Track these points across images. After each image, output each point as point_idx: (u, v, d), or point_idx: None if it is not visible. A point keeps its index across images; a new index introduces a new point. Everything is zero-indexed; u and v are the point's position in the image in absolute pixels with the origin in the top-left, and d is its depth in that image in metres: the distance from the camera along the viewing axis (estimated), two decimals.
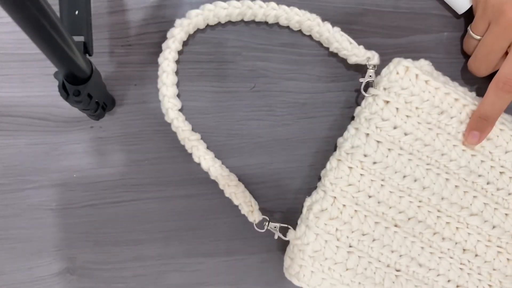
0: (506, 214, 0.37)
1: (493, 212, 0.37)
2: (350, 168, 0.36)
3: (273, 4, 0.38)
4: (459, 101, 0.37)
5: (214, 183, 0.39)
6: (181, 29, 0.38)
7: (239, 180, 0.39)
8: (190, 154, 0.39)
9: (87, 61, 0.30)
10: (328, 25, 0.38)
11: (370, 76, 0.38)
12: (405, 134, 0.36)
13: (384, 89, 0.37)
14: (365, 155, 0.36)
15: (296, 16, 0.38)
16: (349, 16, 0.40)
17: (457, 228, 0.37)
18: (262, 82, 0.40)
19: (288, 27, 0.40)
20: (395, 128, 0.36)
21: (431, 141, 0.37)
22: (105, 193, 0.40)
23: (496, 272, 0.37)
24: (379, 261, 0.37)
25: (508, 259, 0.37)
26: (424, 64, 0.38)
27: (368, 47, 0.39)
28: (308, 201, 0.37)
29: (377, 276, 0.36)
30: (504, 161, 0.37)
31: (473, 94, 0.39)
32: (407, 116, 0.36)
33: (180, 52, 0.39)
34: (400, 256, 0.37)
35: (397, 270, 0.37)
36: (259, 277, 0.41)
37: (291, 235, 0.37)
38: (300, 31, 0.40)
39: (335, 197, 0.36)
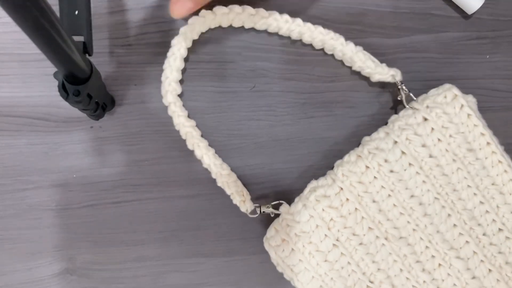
0: (490, 270, 0.37)
1: (478, 264, 0.37)
2: (367, 167, 0.37)
3: (298, 20, 0.38)
4: (490, 146, 0.37)
5: (214, 184, 0.39)
6: (204, 20, 0.38)
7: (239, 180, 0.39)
8: (190, 154, 0.39)
9: (87, 61, 0.30)
10: (351, 44, 0.38)
11: (405, 91, 0.39)
12: (430, 156, 0.37)
13: (427, 107, 0.37)
14: (385, 160, 0.37)
15: (320, 35, 0.38)
16: (349, 16, 0.40)
17: (439, 264, 0.37)
18: (262, 82, 0.40)
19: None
20: (423, 146, 0.37)
21: (449, 172, 0.37)
22: (105, 194, 0.40)
23: None
24: (358, 265, 0.37)
25: None
26: (471, 100, 0.38)
27: (368, 47, 0.39)
28: (313, 183, 0.38)
29: (350, 279, 0.37)
30: (507, 219, 0.38)
31: (502, 147, 0.39)
32: (439, 139, 0.37)
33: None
34: (378, 269, 0.37)
35: (370, 282, 0.37)
36: (259, 277, 0.41)
37: (284, 208, 0.38)
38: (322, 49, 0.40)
39: (341, 188, 0.36)
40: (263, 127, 0.40)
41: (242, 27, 0.39)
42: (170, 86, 0.38)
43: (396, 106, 0.41)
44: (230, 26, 0.39)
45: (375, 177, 0.37)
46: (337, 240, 0.36)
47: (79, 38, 0.31)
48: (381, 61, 0.39)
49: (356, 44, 0.39)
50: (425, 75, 0.41)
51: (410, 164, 0.37)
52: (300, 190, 0.39)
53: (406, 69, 0.40)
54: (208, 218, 0.40)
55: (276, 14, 0.38)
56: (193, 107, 0.40)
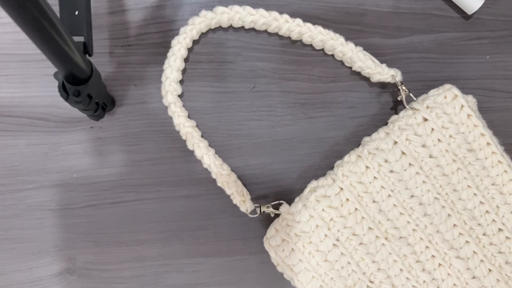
0: (490, 270, 0.37)
1: (479, 263, 0.37)
2: (367, 167, 0.37)
3: (298, 20, 0.38)
4: (490, 146, 0.37)
5: (214, 184, 0.39)
6: (203, 20, 0.38)
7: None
8: (190, 154, 0.39)
9: (87, 62, 0.30)
10: (351, 44, 0.38)
11: (405, 91, 0.39)
12: (430, 156, 0.37)
13: (427, 107, 0.37)
14: (385, 161, 0.37)
15: (319, 35, 0.38)
16: (349, 16, 0.40)
17: (439, 264, 0.37)
18: (262, 82, 0.40)
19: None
20: (423, 146, 0.37)
21: (449, 173, 0.37)
22: (105, 194, 0.40)
23: None
24: (358, 265, 0.37)
25: None
26: (471, 100, 0.38)
27: (368, 47, 0.39)
28: (313, 183, 0.38)
29: (350, 279, 0.37)
30: (507, 219, 0.38)
31: (502, 147, 0.39)
32: (439, 140, 0.37)
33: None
34: (378, 269, 0.37)
35: (370, 282, 0.37)
36: (259, 277, 0.41)
37: (284, 208, 0.38)
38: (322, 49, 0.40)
39: (342, 189, 0.37)
40: (263, 127, 0.40)
41: (242, 27, 0.39)
42: (171, 86, 0.38)
43: (396, 107, 0.41)
44: (230, 26, 0.39)
45: (375, 177, 0.37)
46: (337, 240, 0.36)
47: (79, 38, 0.31)
48: (381, 61, 0.39)
49: (356, 44, 0.39)
50: (425, 75, 0.41)
51: (410, 164, 0.37)
52: (300, 190, 0.39)
53: (406, 69, 0.40)
54: (208, 218, 0.40)
55: (276, 14, 0.38)
56: (193, 107, 0.40)
